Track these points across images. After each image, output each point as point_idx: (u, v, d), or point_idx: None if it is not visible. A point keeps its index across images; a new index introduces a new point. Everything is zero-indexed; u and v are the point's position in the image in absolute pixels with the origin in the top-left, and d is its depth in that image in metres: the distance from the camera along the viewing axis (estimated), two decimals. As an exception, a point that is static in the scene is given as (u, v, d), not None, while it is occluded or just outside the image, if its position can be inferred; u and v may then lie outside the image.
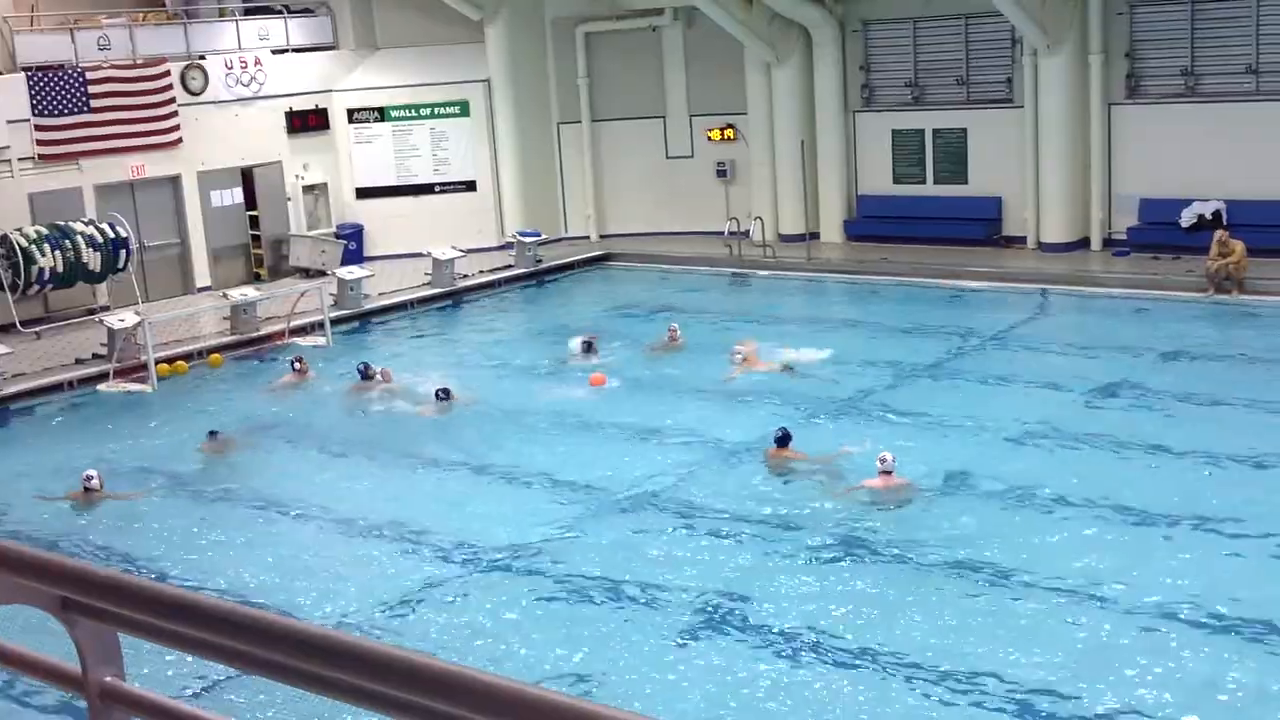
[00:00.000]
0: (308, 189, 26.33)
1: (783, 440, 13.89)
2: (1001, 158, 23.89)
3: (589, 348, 18.89)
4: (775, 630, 10.35)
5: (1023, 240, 23.81)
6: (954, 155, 24.65)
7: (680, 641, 10.32)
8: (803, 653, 9.99)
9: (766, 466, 13.95)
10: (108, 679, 2.20)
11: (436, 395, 17.01)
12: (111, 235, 22.01)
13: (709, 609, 10.79)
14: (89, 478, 14.22)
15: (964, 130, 24.47)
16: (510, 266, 25.18)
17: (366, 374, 18.16)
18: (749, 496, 13.24)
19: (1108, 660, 9.56)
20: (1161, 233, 22.13)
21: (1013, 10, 22.06)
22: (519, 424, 16.23)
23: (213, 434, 16.06)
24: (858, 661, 9.81)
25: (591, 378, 17.68)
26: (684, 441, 15.14)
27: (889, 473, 12.82)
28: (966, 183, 24.50)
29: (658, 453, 14.85)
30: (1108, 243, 23.11)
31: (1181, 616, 10.09)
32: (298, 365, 18.79)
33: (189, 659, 7.66)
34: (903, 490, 12.77)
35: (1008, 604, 10.61)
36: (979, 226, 24.10)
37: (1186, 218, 21.83)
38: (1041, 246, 23.42)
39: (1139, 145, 22.68)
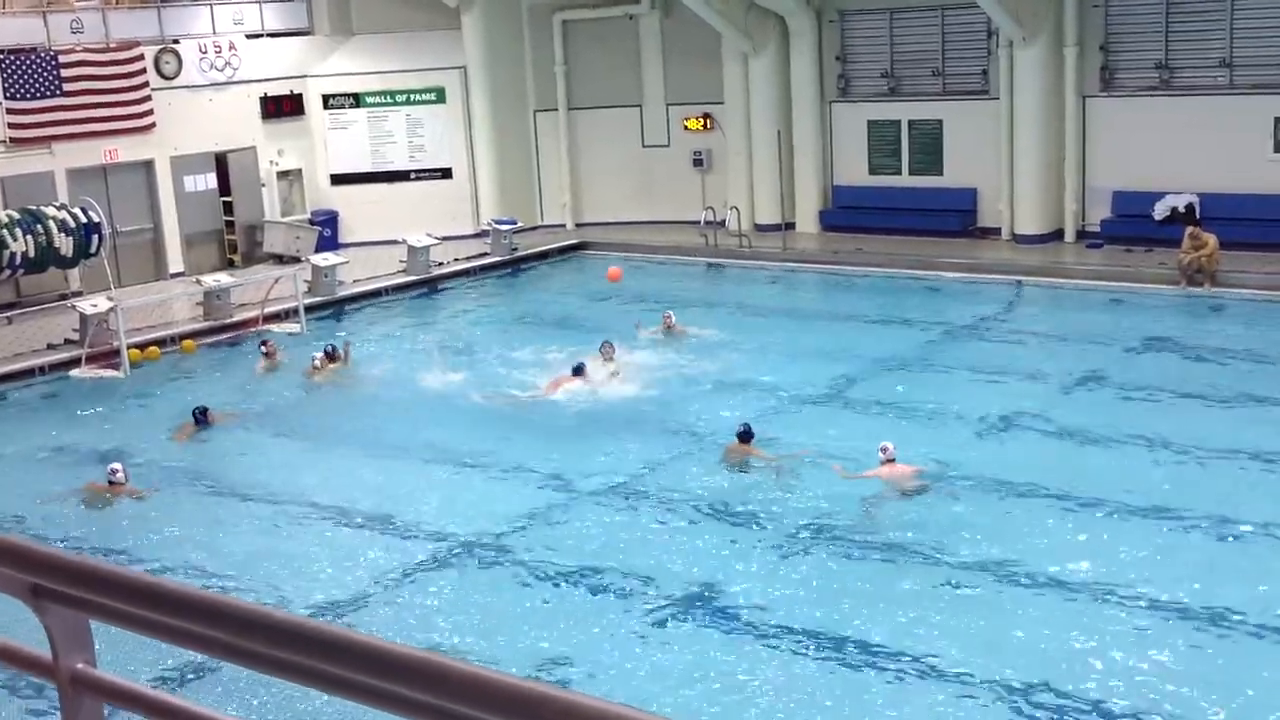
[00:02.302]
0: (282, 175, 26.19)
1: (744, 435, 13.80)
2: (977, 149, 23.97)
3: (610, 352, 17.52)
4: (750, 619, 10.39)
5: (997, 232, 23.90)
6: (929, 146, 24.71)
7: (654, 631, 10.35)
8: (777, 641, 10.04)
9: (725, 460, 13.85)
10: (79, 666, 2.19)
11: (575, 370, 16.66)
12: (84, 220, 21.82)
13: (683, 599, 10.81)
14: (114, 470, 13.74)
15: (939, 122, 24.54)
16: (486, 254, 25.13)
17: (332, 356, 18.18)
18: (721, 488, 13.27)
19: (1083, 652, 9.63)
20: (1135, 225, 22.24)
21: (988, 2, 22.12)
22: (489, 412, 16.22)
23: (199, 415, 15.85)
24: (834, 651, 9.85)
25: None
26: (666, 430, 15.16)
27: (892, 460, 12.84)
28: (942, 174, 24.57)
29: (638, 441, 14.86)
30: (1081, 235, 23.23)
31: (1152, 606, 10.18)
32: (265, 348, 18.74)
33: (162, 646, 7.61)
34: (908, 477, 12.76)
35: (982, 594, 10.67)
36: (954, 218, 24.17)
37: (1159, 210, 21.94)
38: (1016, 238, 23.52)
39: (1113, 138, 22.79)
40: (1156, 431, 14.06)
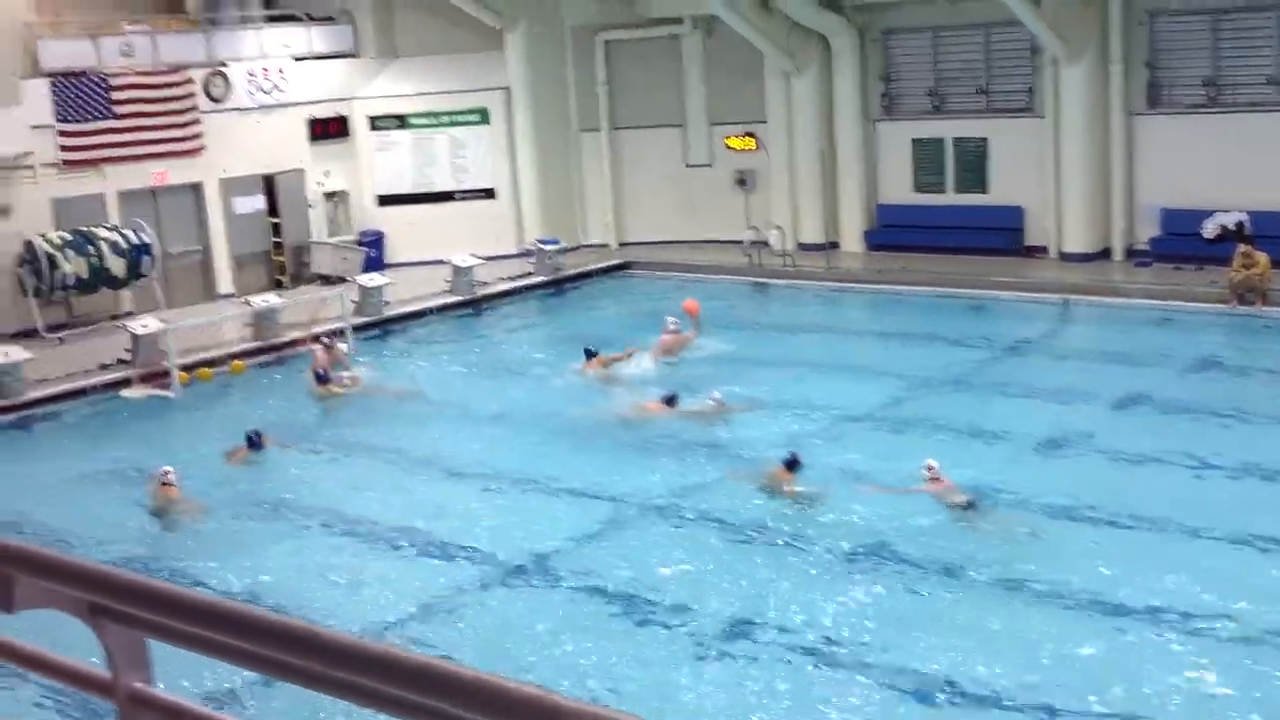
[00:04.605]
0: (329, 196, 26.43)
1: (791, 464, 13.55)
2: (1023, 167, 23.83)
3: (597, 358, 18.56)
4: (795, 643, 10.34)
5: (1044, 250, 23.74)
6: (974, 164, 24.59)
7: (700, 654, 10.32)
8: (822, 665, 9.98)
9: (767, 485, 13.59)
10: (136, 684, 2.21)
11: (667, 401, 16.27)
12: (134, 241, 22.14)
13: (729, 622, 10.77)
14: (166, 473, 14.17)
15: (984, 139, 24.41)
16: (529, 274, 25.21)
17: (322, 379, 18.34)
18: (766, 510, 13.21)
19: (1138, 675, 9.51)
20: (1184, 243, 22.03)
21: (1033, 20, 22.03)
22: (537, 432, 16.25)
23: (254, 438, 15.90)
24: (880, 676, 9.78)
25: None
26: (697, 452, 15.14)
27: (937, 479, 12.77)
28: (987, 192, 24.44)
29: (678, 462, 14.84)
30: (1130, 253, 23.02)
31: (1207, 629, 10.05)
32: (342, 379, 18.73)
33: (218, 665, 7.62)
34: (954, 493, 12.68)
35: (1036, 616, 10.56)
36: (1000, 236, 24.03)
37: (1209, 228, 21.73)
38: (1063, 256, 23.35)
39: (1161, 155, 22.60)
40: (1207, 452, 13.89)
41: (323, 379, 18.31)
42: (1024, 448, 14.51)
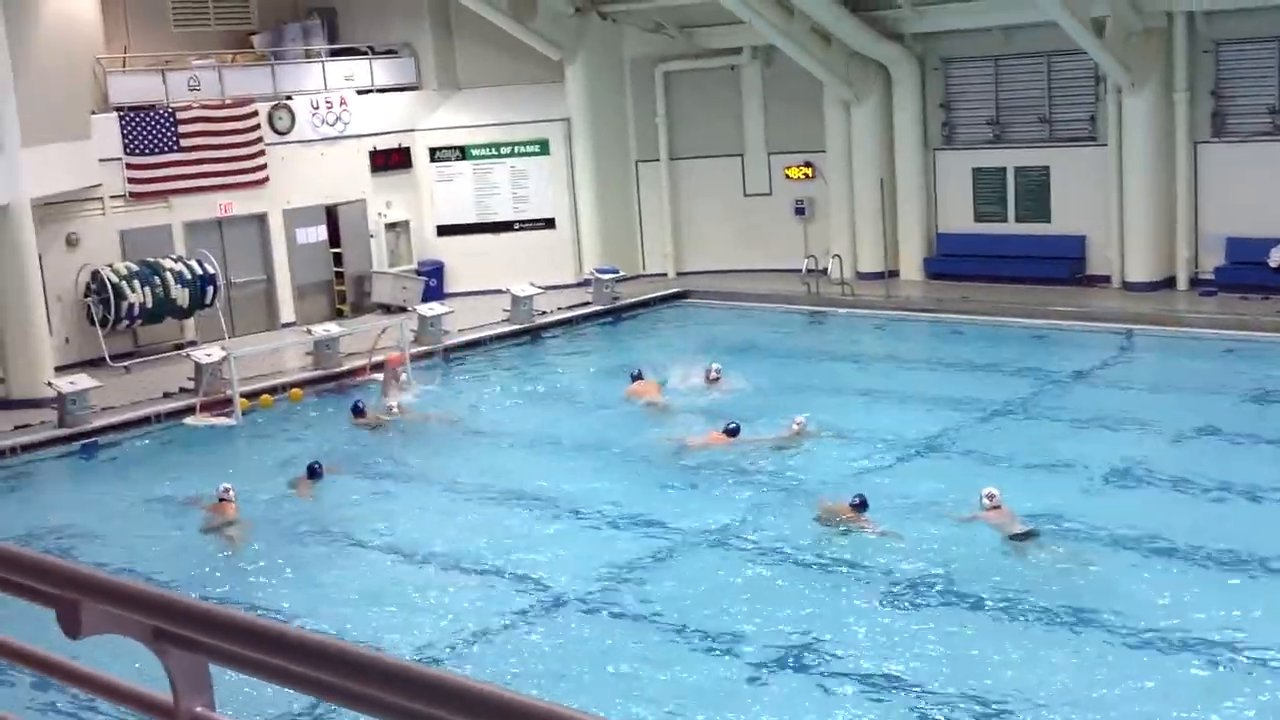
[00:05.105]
0: (390, 226, 26.68)
1: (859, 505, 13.26)
2: (1085, 196, 23.61)
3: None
4: (852, 673, 10.25)
5: (1107, 279, 23.47)
6: (1036, 193, 24.40)
7: (755, 685, 10.26)
8: (878, 696, 9.89)
9: (830, 519, 13.41)
10: (198, 709, 2.24)
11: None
12: (199, 272, 22.48)
13: (786, 653, 10.70)
14: (226, 490, 14.67)
15: (1046, 168, 24.22)
16: (588, 303, 25.28)
17: (359, 412, 18.52)
18: (826, 541, 13.13)
19: (1202, 711, 9.34)
20: (1250, 272, 21.72)
21: (1095, 49, 21.86)
22: (595, 461, 16.27)
23: (315, 469, 15.99)
24: (939, 706, 9.67)
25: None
26: (755, 482, 15.08)
27: (998, 508, 12.67)
28: (1049, 221, 24.23)
29: (738, 493, 14.80)
30: (1194, 282, 22.70)
31: (1272, 664, 9.85)
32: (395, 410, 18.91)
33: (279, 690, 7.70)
34: (1015, 522, 12.56)
35: (1097, 650, 10.41)
36: (1062, 265, 23.80)
37: (1275, 257, 21.43)
38: (1126, 286, 23.08)
39: (1226, 183, 22.31)
40: (1272, 484, 13.65)
41: (359, 411, 18.47)
42: (1086, 478, 14.33)
